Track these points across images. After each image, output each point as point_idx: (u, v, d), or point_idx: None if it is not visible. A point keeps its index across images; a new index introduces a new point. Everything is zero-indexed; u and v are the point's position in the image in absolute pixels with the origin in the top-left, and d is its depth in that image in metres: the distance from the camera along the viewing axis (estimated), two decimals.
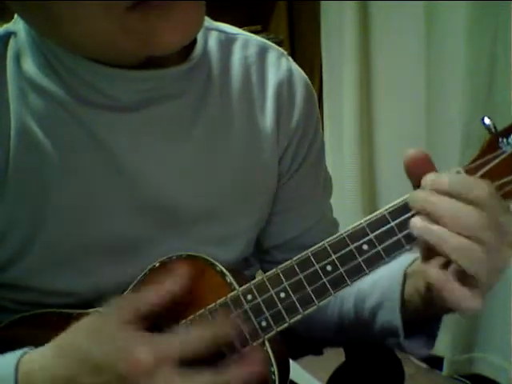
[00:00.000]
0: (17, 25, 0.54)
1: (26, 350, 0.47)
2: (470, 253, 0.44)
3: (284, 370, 0.53)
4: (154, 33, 0.44)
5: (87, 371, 0.43)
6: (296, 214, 0.68)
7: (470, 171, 0.48)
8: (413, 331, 0.57)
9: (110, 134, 0.54)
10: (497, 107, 1.35)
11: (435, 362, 1.68)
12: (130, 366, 0.43)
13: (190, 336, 0.46)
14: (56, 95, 0.52)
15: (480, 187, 0.45)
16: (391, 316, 0.56)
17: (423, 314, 0.55)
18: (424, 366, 1.74)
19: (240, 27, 0.65)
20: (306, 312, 0.49)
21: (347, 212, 1.77)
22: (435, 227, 0.45)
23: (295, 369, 0.60)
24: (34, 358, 0.46)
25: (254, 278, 0.70)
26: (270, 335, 0.50)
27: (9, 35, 0.54)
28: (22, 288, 0.57)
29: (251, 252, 0.68)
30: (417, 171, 0.48)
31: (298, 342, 0.55)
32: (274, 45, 0.65)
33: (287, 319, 0.49)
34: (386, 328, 0.57)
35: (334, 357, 0.68)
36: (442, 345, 1.61)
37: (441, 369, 1.64)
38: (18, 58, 0.53)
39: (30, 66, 0.53)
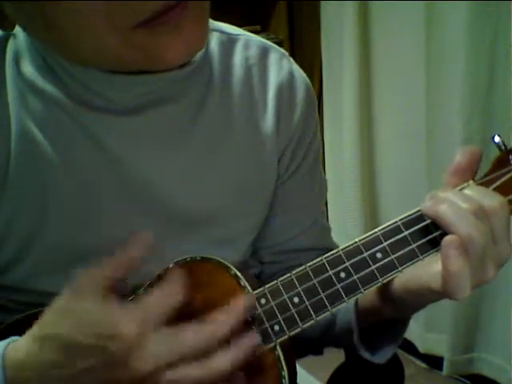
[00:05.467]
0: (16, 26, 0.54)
1: (10, 339, 0.46)
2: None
3: (293, 374, 0.53)
4: (161, 49, 0.44)
5: (74, 358, 0.42)
6: (290, 216, 0.68)
7: (481, 185, 0.49)
8: (373, 339, 0.58)
9: (110, 137, 0.54)
10: (497, 107, 1.35)
11: (435, 362, 1.69)
12: (116, 343, 0.41)
13: (159, 293, 0.44)
14: (55, 98, 0.52)
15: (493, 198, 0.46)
16: (348, 316, 0.58)
17: (386, 315, 0.57)
18: (424, 365, 1.74)
19: (240, 27, 0.64)
20: (319, 318, 0.50)
21: (347, 212, 1.77)
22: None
23: None
24: (19, 347, 0.45)
25: (257, 277, 0.70)
26: (281, 339, 0.50)
27: (7, 37, 0.53)
28: (23, 290, 0.57)
29: (250, 253, 0.68)
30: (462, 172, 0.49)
31: (298, 342, 0.55)
32: (275, 45, 0.65)
33: (300, 324, 0.50)
34: (344, 329, 0.59)
35: (334, 357, 0.68)
36: (442, 345, 1.61)
37: (441, 369, 1.64)
38: (16, 60, 0.53)
39: (28, 68, 0.52)
